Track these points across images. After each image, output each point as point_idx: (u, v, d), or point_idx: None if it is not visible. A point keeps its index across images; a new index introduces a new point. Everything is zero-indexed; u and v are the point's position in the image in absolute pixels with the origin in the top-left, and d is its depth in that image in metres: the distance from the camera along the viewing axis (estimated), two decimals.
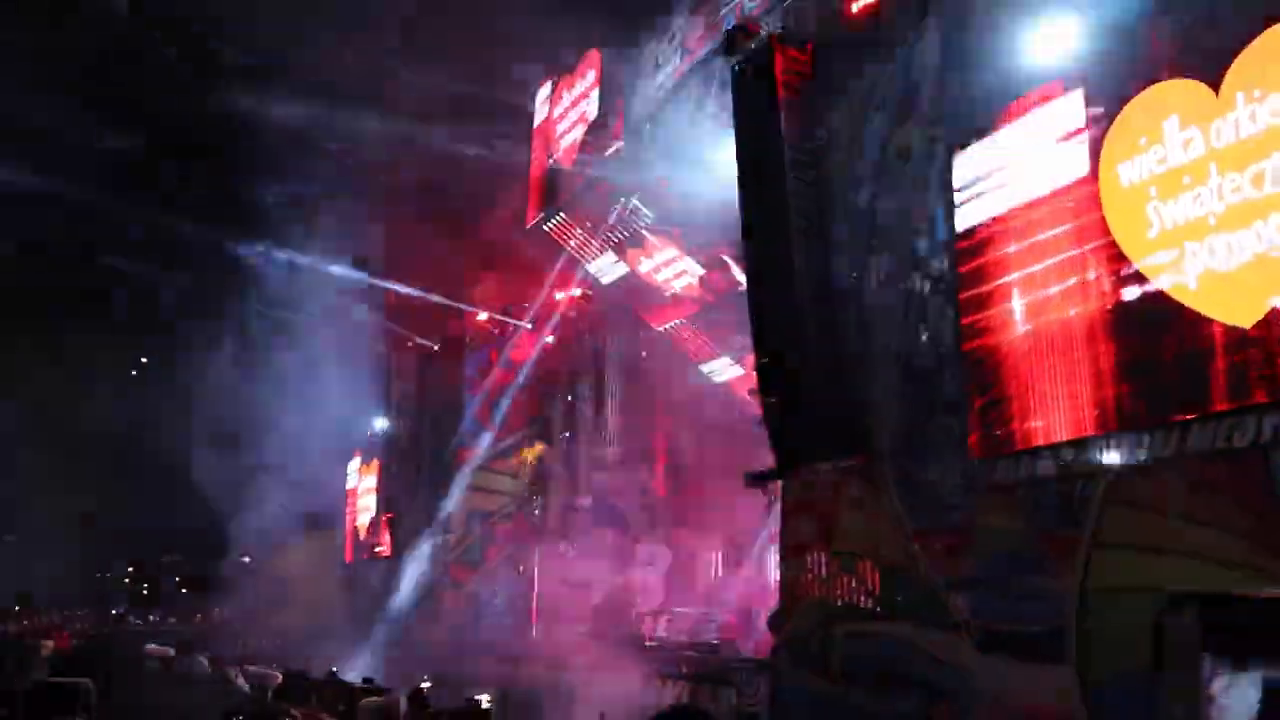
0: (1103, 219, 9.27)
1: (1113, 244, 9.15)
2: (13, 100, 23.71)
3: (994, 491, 10.34)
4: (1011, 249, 10.18)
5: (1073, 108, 9.69)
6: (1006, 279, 10.19)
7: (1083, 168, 9.50)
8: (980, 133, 10.74)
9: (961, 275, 10.86)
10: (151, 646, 23.82)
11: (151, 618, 45.99)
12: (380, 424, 30.44)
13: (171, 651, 22.31)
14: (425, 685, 14.91)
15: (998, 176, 10.45)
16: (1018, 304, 10.05)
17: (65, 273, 39.80)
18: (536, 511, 25.60)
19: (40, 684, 9.77)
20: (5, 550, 65.58)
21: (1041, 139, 10.00)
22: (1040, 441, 9.74)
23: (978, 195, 10.64)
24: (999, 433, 10.15)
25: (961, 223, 10.83)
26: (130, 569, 70.38)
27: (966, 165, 10.86)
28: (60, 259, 37.41)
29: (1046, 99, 9.98)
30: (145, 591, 68.66)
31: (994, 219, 10.41)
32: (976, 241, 10.60)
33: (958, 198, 10.89)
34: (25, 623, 33.99)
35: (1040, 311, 9.81)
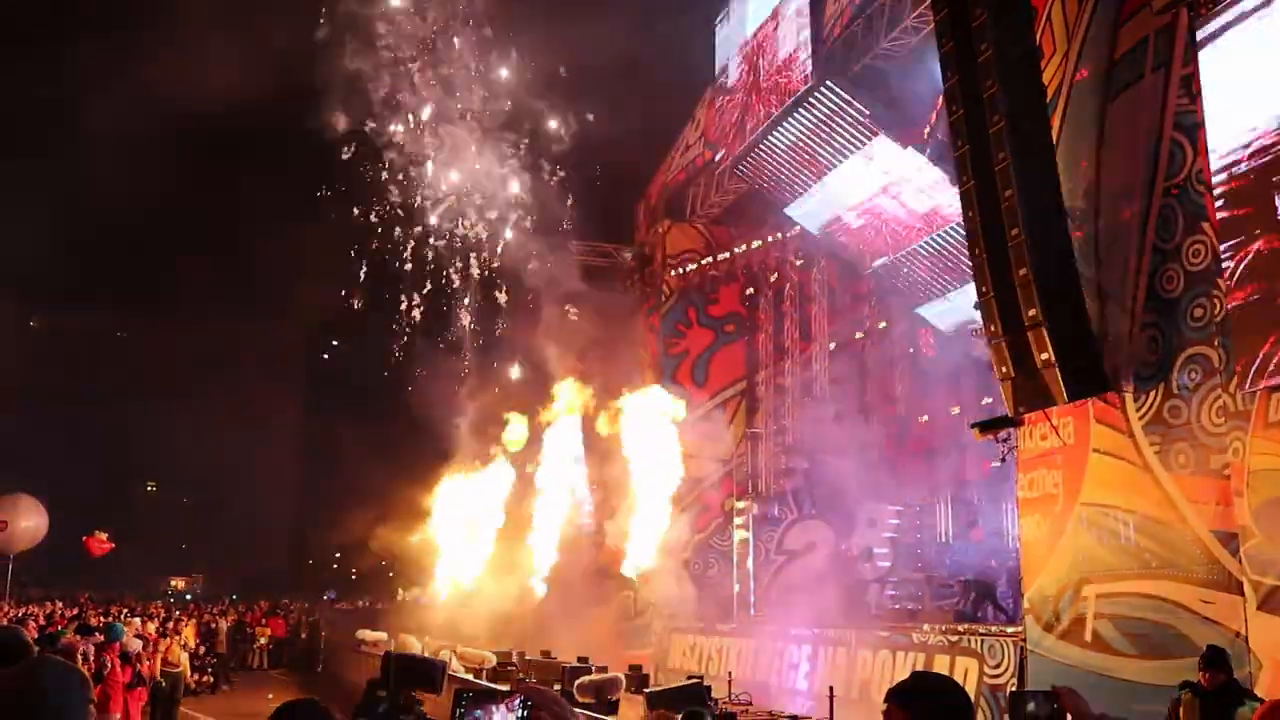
0: None
1: None
2: None
3: (1270, 428, 9.79)
4: None
5: None
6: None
7: None
8: (1237, 14, 10.08)
9: (1219, 183, 10.26)
10: (363, 631, 25.25)
11: (361, 602, 48.78)
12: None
13: (384, 635, 23.59)
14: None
15: (1262, 64, 9.78)
16: None
17: None
18: (748, 475, 25.73)
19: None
20: (222, 540, 71.21)
21: None
22: None
23: (1240, 86, 10.00)
24: (1273, 360, 9.58)
25: (1218, 119, 10.20)
26: (338, 555, 75.04)
27: (1220, 55, 10.22)
28: None
29: None
30: (354, 576, 73.08)
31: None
32: (1241, 142, 9.97)
33: (1209, 91, 10.29)
34: (245, 611, 36.69)
35: None
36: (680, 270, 27.05)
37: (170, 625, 23.55)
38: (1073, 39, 12.40)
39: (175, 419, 69.67)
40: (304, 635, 34.83)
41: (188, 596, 64.63)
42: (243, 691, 27.14)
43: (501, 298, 31.63)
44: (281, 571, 70.10)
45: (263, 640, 33.32)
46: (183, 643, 21.94)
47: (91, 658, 13.92)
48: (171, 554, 71.94)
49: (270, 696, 26.03)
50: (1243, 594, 9.85)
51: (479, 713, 3.28)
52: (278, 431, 73.10)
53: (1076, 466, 12.12)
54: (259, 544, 71.67)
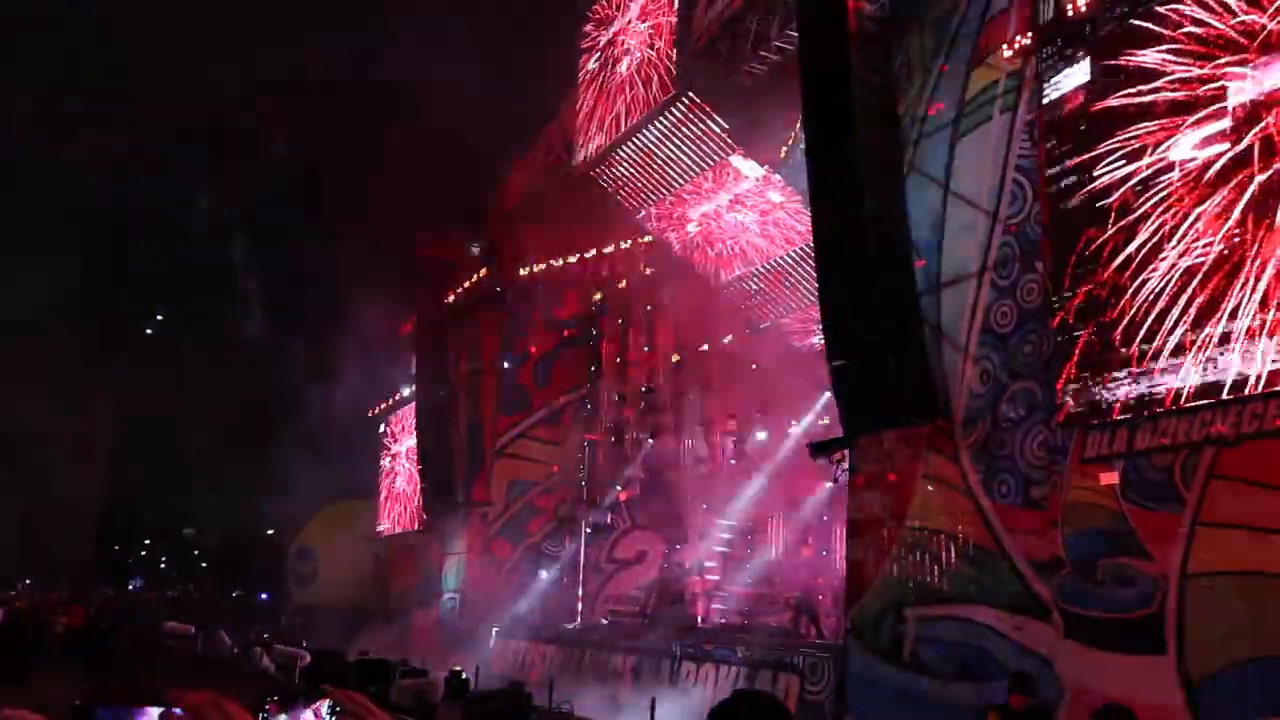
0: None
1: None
2: None
3: (1083, 464, 10.34)
4: (1119, 190, 10.07)
5: None
6: (1110, 226, 10.12)
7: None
8: (1076, 71, 10.64)
9: (1054, 226, 10.79)
10: (171, 624, 24.39)
11: (170, 594, 47.10)
12: (413, 388, 30.75)
13: (192, 629, 22.84)
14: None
15: (1103, 114, 10.32)
16: (1120, 253, 9.97)
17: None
18: (583, 482, 25.82)
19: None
20: (15, 521, 67.50)
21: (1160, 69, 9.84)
22: (1140, 409, 9.71)
23: (1079, 134, 10.54)
24: (1091, 398, 10.14)
25: (1055, 163, 10.76)
26: (147, 542, 72.04)
27: (1061, 106, 10.77)
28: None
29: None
30: (163, 566, 70.33)
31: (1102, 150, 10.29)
32: (1074, 184, 10.51)
33: (1052, 136, 10.83)
34: (38, 597, 34.95)
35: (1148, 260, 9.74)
36: (528, 269, 26.92)
37: None
38: (929, 73, 12.88)
39: None
40: (104, 626, 33.38)
41: None
42: (34, 683, 25.86)
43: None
44: (84, 557, 66.84)
45: (59, 631, 31.79)
46: None
47: None
48: None
49: (69, 688, 24.86)
50: (1052, 621, 10.38)
51: (284, 717, 3.17)
52: (85, 405, 69.28)
53: (905, 490, 12.57)
54: (59, 526, 68.09)
